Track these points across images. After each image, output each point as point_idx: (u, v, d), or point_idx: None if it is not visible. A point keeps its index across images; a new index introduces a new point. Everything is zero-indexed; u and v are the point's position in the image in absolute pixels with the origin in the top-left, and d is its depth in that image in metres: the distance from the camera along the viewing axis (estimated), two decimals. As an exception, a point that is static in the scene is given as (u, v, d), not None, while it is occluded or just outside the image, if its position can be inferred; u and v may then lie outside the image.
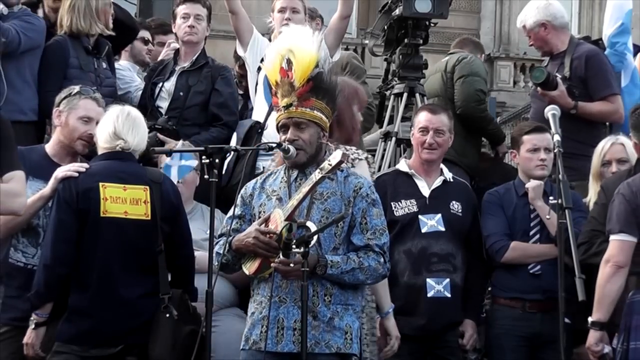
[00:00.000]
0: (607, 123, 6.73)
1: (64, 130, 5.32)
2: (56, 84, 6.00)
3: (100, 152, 5.12)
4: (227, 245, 4.52)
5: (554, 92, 6.39)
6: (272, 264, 4.39)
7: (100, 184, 4.91)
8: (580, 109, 6.45)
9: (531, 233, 5.71)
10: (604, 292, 4.97)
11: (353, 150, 5.08)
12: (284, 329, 4.44)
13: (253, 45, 6.39)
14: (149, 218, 4.96)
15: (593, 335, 5.01)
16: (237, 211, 4.66)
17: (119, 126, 5.05)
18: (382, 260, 4.53)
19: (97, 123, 5.21)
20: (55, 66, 6.20)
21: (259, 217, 4.58)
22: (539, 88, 6.46)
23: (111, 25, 6.35)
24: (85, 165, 5.04)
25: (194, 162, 5.61)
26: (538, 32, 6.70)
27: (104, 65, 6.38)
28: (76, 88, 5.41)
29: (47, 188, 5.02)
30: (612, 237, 5.04)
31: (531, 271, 5.63)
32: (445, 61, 7.23)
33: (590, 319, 5.00)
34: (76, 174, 4.94)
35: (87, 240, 4.87)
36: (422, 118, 5.74)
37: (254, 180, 4.77)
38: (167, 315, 4.86)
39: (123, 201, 4.93)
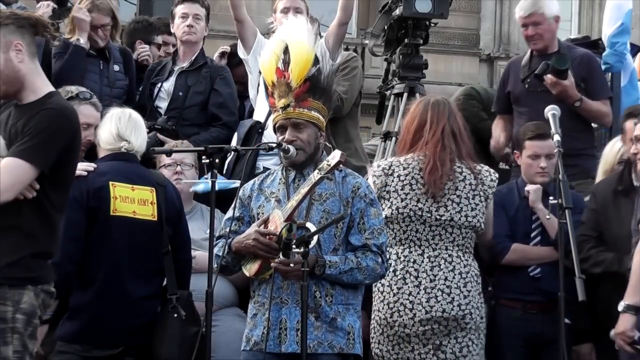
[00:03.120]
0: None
1: None
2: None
3: (102, 153, 5.12)
4: (227, 247, 4.51)
5: (566, 82, 6.36)
6: (272, 264, 4.39)
7: (110, 182, 4.93)
8: (583, 104, 6.43)
9: (532, 235, 5.70)
10: None
11: (486, 167, 5.25)
12: (287, 329, 4.44)
13: (256, 48, 6.35)
14: (156, 219, 4.98)
15: (629, 320, 4.83)
16: (236, 213, 4.65)
17: (122, 128, 5.06)
18: (380, 260, 4.52)
19: (95, 129, 5.21)
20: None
21: (258, 219, 4.58)
22: (550, 76, 6.37)
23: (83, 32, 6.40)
24: (93, 165, 5.04)
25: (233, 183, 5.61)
26: (551, 24, 6.57)
27: (116, 68, 6.49)
28: (74, 91, 5.42)
29: None
30: None
31: (531, 274, 5.62)
32: None
33: (624, 303, 4.83)
34: (85, 173, 4.94)
35: (95, 238, 4.87)
36: None
37: (251, 182, 4.76)
38: (175, 315, 4.87)
39: (132, 201, 4.95)
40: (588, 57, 6.62)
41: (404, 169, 5.15)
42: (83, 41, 6.37)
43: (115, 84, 6.44)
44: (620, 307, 4.85)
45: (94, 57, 6.43)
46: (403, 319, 5.01)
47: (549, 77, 6.32)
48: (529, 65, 6.61)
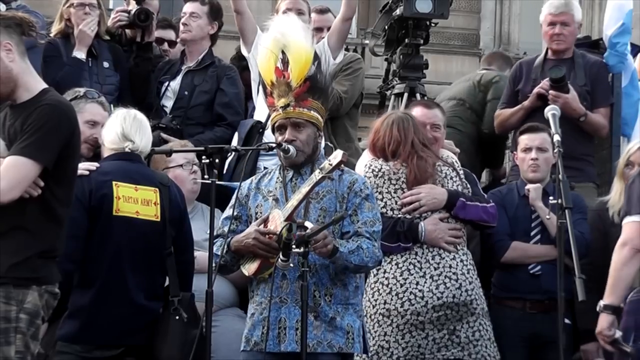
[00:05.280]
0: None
1: None
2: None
3: (107, 153, 5.12)
4: (226, 246, 4.51)
5: (568, 95, 6.38)
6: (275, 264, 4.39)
7: (114, 182, 4.92)
8: (587, 118, 6.46)
9: (532, 233, 5.72)
10: (619, 276, 4.78)
11: (446, 153, 5.51)
12: (286, 329, 4.44)
13: (257, 45, 6.37)
14: (159, 219, 4.97)
15: (606, 320, 4.79)
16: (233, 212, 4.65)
17: (127, 128, 5.06)
18: (375, 244, 4.52)
19: (102, 127, 5.23)
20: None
21: (256, 218, 4.58)
22: (552, 92, 6.39)
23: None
24: (96, 164, 5.05)
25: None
26: (576, 28, 6.66)
27: (106, 64, 6.50)
28: (82, 91, 5.49)
29: None
30: (629, 219, 4.84)
31: (531, 271, 5.65)
32: (481, 75, 7.24)
33: (602, 303, 4.79)
34: (87, 172, 4.94)
35: (97, 238, 4.86)
36: (418, 113, 5.69)
37: (248, 181, 4.77)
38: (177, 317, 4.86)
39: (135, 201, 4.94)
40: (599, 64, 6.73)
41: (394, 173, 5.29)
42: (82, 55, 6.41)
43: (106, 81, 6.46)
44: (597, 307, 4.81)
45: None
46: (415, 307, 5.11)
47: (551, 93, 6.35)
48: (542, 67, 6.65)
